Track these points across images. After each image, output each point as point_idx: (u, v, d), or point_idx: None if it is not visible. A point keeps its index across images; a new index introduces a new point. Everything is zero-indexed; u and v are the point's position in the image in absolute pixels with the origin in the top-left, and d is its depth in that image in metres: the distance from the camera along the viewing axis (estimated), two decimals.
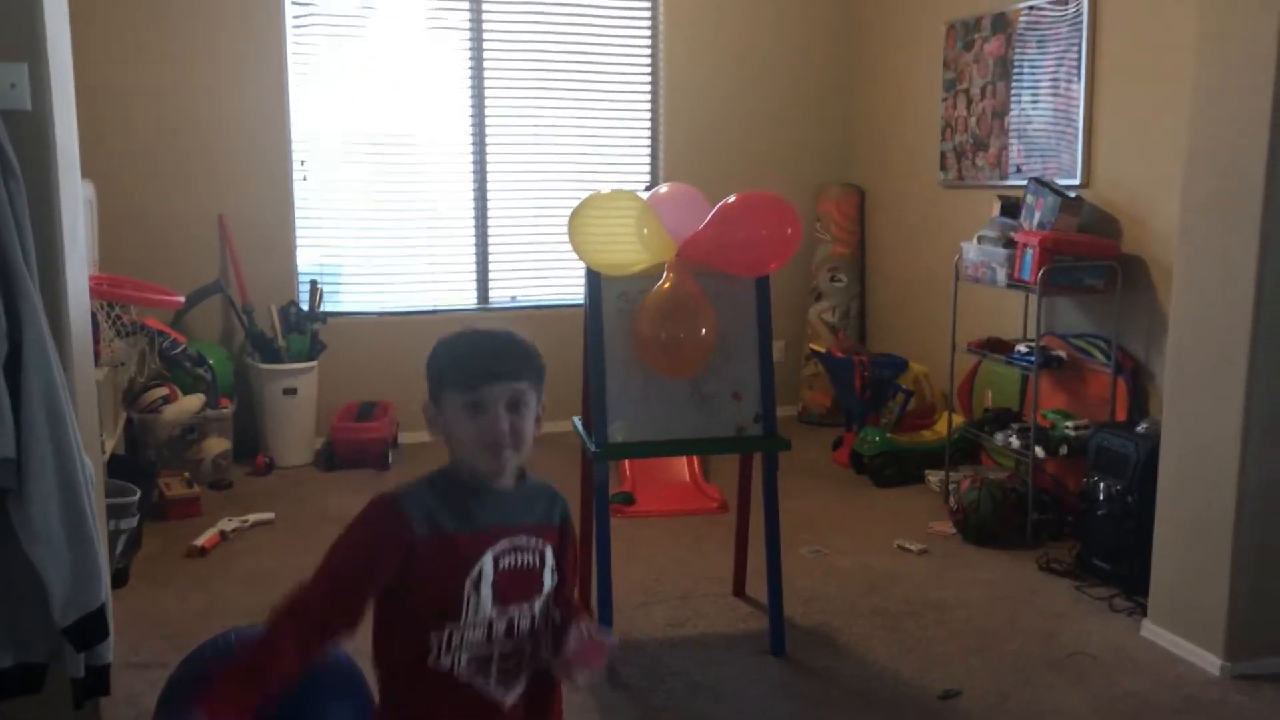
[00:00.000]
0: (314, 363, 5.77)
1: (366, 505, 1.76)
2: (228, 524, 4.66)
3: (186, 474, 5.06)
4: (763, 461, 3.57)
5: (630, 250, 3.40)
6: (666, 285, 3.41)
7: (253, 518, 4.78)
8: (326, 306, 5.97)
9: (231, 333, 5.92)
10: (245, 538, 4.64)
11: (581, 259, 3.46)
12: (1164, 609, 3.65)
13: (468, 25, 6.17)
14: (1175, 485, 3.60)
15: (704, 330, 3.37)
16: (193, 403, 5.25)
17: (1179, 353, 3.57)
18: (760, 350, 3.56)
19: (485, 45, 6.20)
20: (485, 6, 6.17)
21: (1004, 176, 5.34)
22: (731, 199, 3.46)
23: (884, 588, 4.14)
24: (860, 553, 4.50)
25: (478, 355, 1.76)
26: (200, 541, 4.45)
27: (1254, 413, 3.30)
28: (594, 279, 3.49)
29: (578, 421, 3.82)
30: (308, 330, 5.78)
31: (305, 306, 5.88)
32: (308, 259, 6.07)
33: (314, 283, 5.93)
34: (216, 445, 5.33)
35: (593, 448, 3.46)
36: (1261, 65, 3.18)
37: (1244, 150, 3.26)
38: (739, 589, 4.05)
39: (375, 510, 1.75)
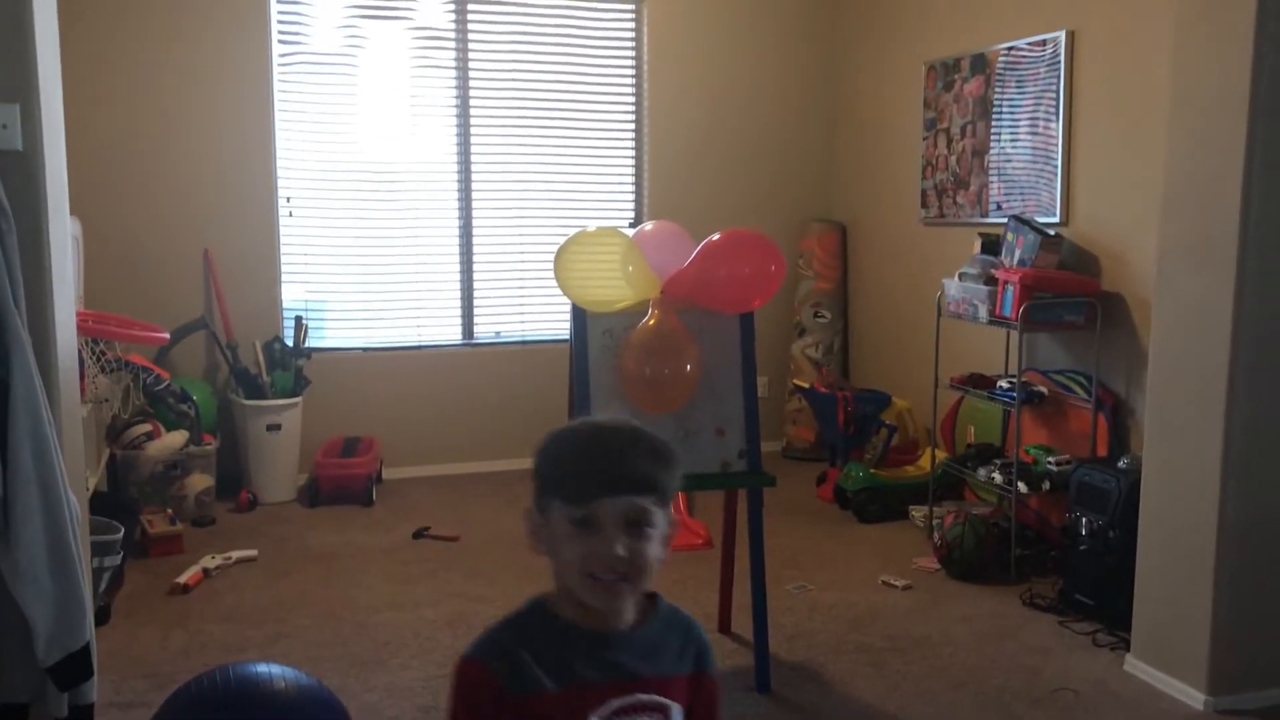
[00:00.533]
0: (298, 399, 5.76)
1: (454, 674, 1.46)
2: (210, 561, 4.64)
3: (169, 510, 5.04)
4: (748, 497, 3.58)
5: (615, 287, 3.43)
6: (651, 322, 3.44)
7: (236, 555, 4.76)
8: (311, 342, 5.98)
9: (215, 368, 5.91)
10: (228, 575, 4.62)
11: (567, 295, 3.49)
12: (1147, 644, 3.67)
13: (453, 63, 6.23)
14: (1157, 520, 3.63)
15: (688, 366, 3.40)
16: (176, 439, 5.24)
17: (1159, 390, 3.61)
18: (744, 386, 3.58)
19: (471, 82, 6.26)
20: (471, 45, 6.23)
21: (984, 214, 5.41)
22: (715, 236, 3.50)
23: (868, 624, 4.15)
24: (845, 589, 4.51)
25: (593, 457, 1.43)
26: (183, 579, 4.43)
27: (1233, 450, 3.34)
28: (579, 315, 3.52)
29: None
30: (292, 366, 5.78)
31: (290, 342, 5.88)
32: (292, 295, 6.08)
33: (299, 318, 5.94)
34: (200, 482, 5.31)
35: None
36: (1236, 108, 3.24)
37: (1219, 193, 3.32)
38: (724, 625, 4.05)
39: (460, 680, 1.45)
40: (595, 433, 1.47)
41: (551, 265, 3.47)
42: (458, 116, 6.27)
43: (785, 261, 3.53)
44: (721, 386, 3.56)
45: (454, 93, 6.25)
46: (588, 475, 1.40)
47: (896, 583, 4.54)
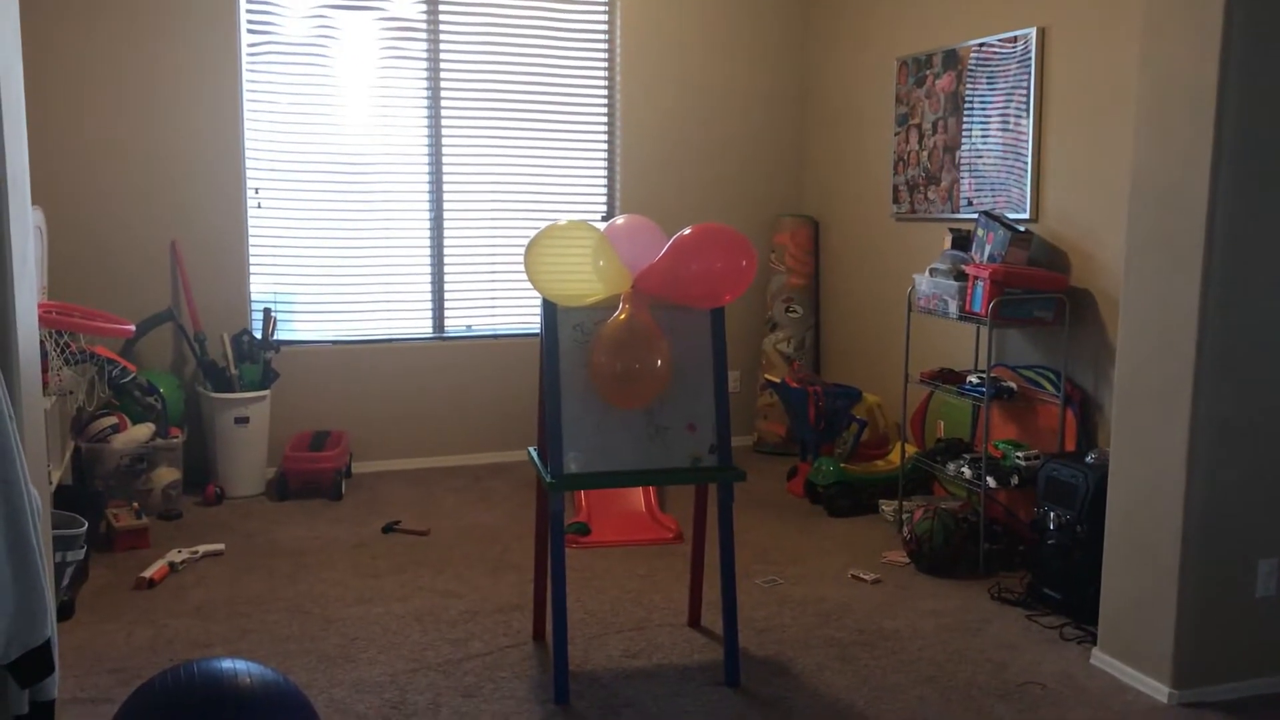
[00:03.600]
0: (266, 392, 5.71)
1: None
2: (177, 555, 4.60)
3: (135, 504, 4.98)
4: (718, 492, 3.58)
5: (586, 281, 3.42)
6: (622, 316, 3.43)
7: (203, 549, 4.72)
8: (280, 335, 5.93)
9: (182, 361, 5.85)
10: (195, 569, 4.57)
11: (537, 289, 3.47)
12: (1113, 638, 3.70)
13: (424, 55, 6.19)
14: (1124, 515, 3.66)
15: (659, 362, 3.39)
16: (142, 432, 5.19)
17: (1126, 386, 3.63)
18: (715, 382, 3.58)
19: (442, 74, 6.22)
20: (442, 36, 6.19)
21: (955, 210, 5.43)
22: (687, 231, 3.49)
23: (838, 618, 4.16)
24: (814, 583, 4.52)
25: None
26: (149, 573, 4.38)
27: (1198, 445, 3.37)
28: (550, 309, 3.50)
29: (533, 452, 3.81)
30: (260, 359, 5.73)
31: (258, 334, 5.83)
32: (261, 287, 6.03)
33: (267, 310, 5.89)
34: (166, 475, 5.26)
35: (548, 478, 3.45)
36: (1203, 104, 3.27)
37: (1186, 190, 3.34)
38: (694, 619, 4.06)
39: None
40: None
41: (523, 259, 3.45)
42: (429, 108, 6.24)
43: (757, 256, 3.52)
44: (692, 382, 3.55)
45: (425, 84, 6.21)
46: None
47: (866, 577, 4.55)
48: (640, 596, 4.33)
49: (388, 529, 5.12)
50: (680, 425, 3.54)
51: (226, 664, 2.55)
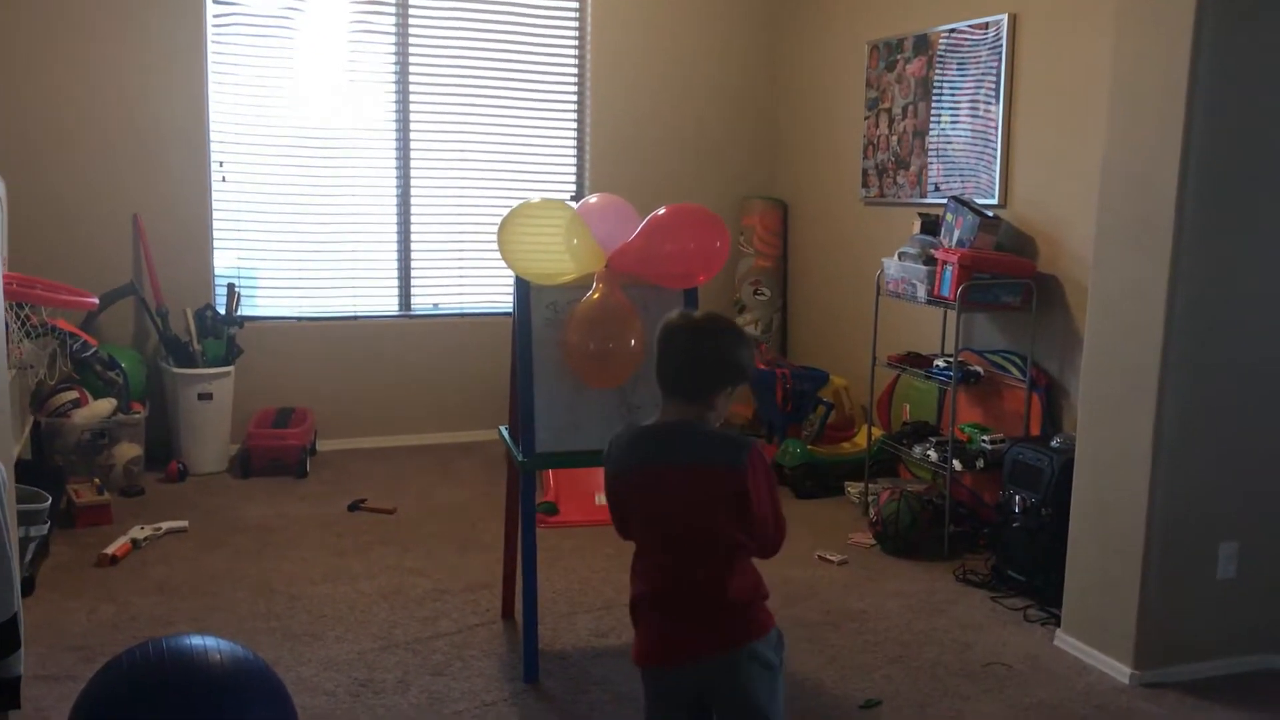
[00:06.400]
0: (230, 367, 5.65)
1: (757, 455, 2.21)
2: (140, 532, 4.55)
3: (97, 480, 4.92)
4: None
5: (559, 260, 3.40)
6: (596, 296, 3.41)
7: (166, 526, 4.67)
8: (244, 310, 5.87)
9: (145, 335, 5.77)
10: (158, 546, 4.52)
11: (510, 268, 3.45)
12: (1076, 619, 3.75)
13: (393, 29, 6.12)
14: (1088, 499, 3.70)
15: (633, 341, 3.38)
16: (103, 407, 5.12)
17: (1093, 370, 3.67)
18: None
19: (411, 50, 6.16)
20: (411, 11, 6.13)
21: (924, 195, 5.45)
22: (661, 211, 3.47)
23: (805, 598, 4.19)
24: (781, 564, 4.51)
25: None
26: (111, 550, 4.33)
27: (1164, 429, 3.41)
28: (523, 288, 3.48)
29: (504, 431, 3.80)
30: (224, 334, 5.66)
31: (222, 310, 5.76)
32: (225, 261, 5.96)
33: (231, 286, 5.82)
34: (128, 451, 5.19)
35: (520, 456, 3.44)
36: (1174, 92, 3.30)
37: (1156, 176, 3.37)
38: None
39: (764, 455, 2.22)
40: None
41: (492, 237, 3.43)
42: (397, 84, 6.17)
43: (730, 237, 3.52)
44: None
45: (393, 59, 6.15)
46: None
47: (833, 558, 4.58)
48: (609, 576, 4.33)
49: (353, 507, 5.09)
50: (653, 404, 3.51)
51: (196, 641, 2.52)
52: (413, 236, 6.32)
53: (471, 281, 6.46)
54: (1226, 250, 3.40)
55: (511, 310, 3.59)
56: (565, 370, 3.46)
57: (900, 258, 4.97)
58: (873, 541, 4.77)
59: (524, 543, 3.44)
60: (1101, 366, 3.63)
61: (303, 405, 5.98)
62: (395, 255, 6.32)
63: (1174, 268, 3.34)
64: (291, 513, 5.03)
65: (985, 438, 4.68)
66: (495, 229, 6.32)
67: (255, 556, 4.45)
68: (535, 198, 3.55)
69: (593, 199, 3.67)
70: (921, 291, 4.81)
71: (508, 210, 3.47)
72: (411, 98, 6.20)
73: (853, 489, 5.38)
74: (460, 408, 6.36)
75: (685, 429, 2.24)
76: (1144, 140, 3.43)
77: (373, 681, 3.39)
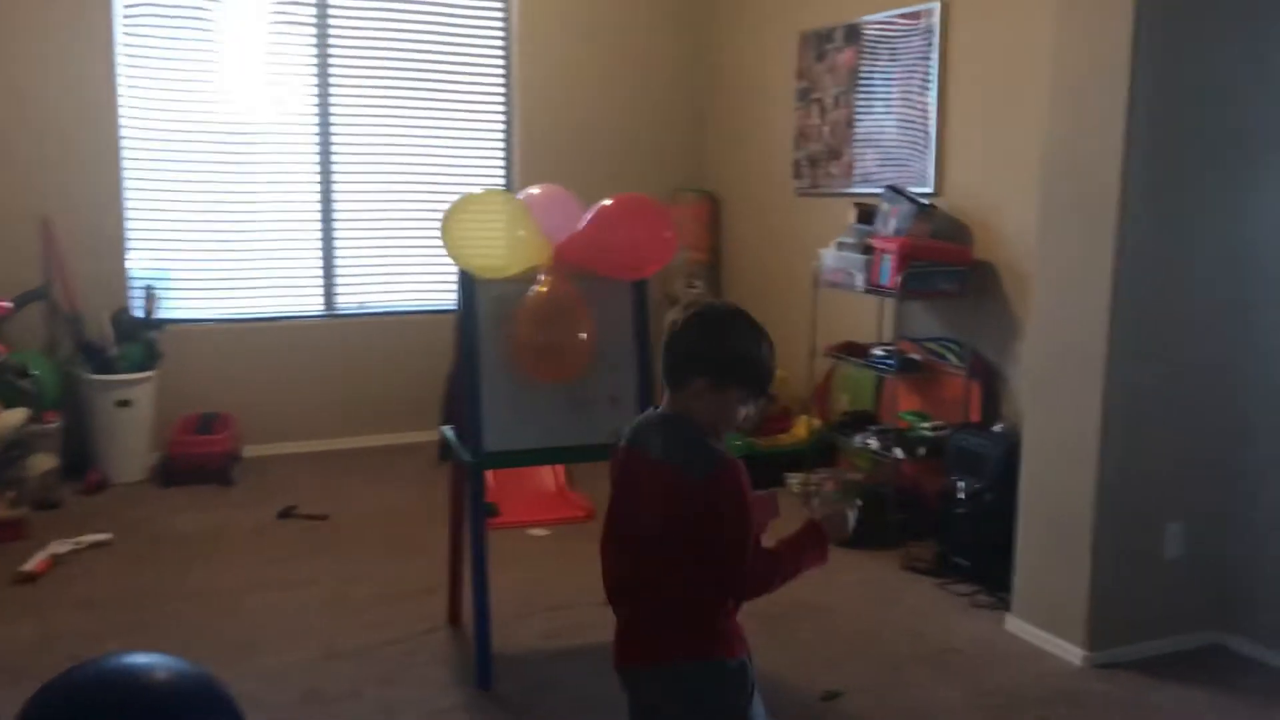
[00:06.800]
0: (150, 373, 5.44)
1: (730, 471, 1.98)
2: (60, 546, 4.34)
3: (11, 493, 4.68)
4: None
5: (506, 252, 3.31)
6: (544, 289, 3.32)
7: (88, 539, 4.46)
8: (162, 313, 5.64)
9: (57, 341, 5.51)
10: (80, 560, 4.32)
11: (455, 261, 3.34)
12: (1026, 603, 3.77)
13: (313, 19, 5.95)
14: (1036, 483, 3.72)
15: (583, 335, 3.31)
16: (15, 417, 4.86)
17: (1038, 354, 3.69)
18: (639, 355, 3.51)
19: (331, 41, 5.99)
20: (331, 1, 5.95)
21: (857, 185, 5.45)
22: (608, 202, 3.41)
23: None
24: None
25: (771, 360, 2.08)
26: (29, 566, 4.12)
27: (1111, 411, 3.44)
28: (467, 282, 3.38)
29: (449, 430, 3.69)
30: (142, 338, 5.44)
31: (139, 313, 5.54)
32: (141, 263, 5.72)
33: (148, 288, 5.60)
34: (43, 462, 4.95)
35: (468, 457, 3.34)
36: (1117, 72, 3.32)
37: (1100, 156, 3.40)
38: None
39: (739, 471, 1.99)
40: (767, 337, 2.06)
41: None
42: (317, 75, 5.99)
43: (691, 224, 3.45)
44: (615, 355, 3.48)
45: (313, 50, 5.97)
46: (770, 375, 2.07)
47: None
48: (557, 577, 4.25)
49: (284, 514, 4.92)
50: (603, 399, 3.47)
51: (140, 658, 2.37)
52: (336, 233, 6.15)
53: (398, 279, 6.31)
54: (1172, 231, 3.43)
55: (455, 306, 3.48)
56: (513, 366, 3.37)
57: (838, 247, 4.96)
58: None
59: (474, 544, 3.34)
60: (1047, 350, 3.65)
61: (226, 410, 5.76)
62: (319, 253, 6.14)
63: (1118, 250, 3.37)
64: (220, 522, 4.85)
65: (925, 425, 4.69)
66: (422, 224, 6.23)
67: (185, 568, 4.27)
68: (465, 190, 3.44)
69: (535, 190, 3.59)
70: (860, 281, 4.80)
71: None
72: (332, 89, 6.03)
73: (793, 480, 5.36)
74: (390, 409, 6.20)
75: (667, 421, 2.10)
76: (1086, 123, 3.45)
77: (320, 692, 3.27)
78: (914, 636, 3.77)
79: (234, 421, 5.70)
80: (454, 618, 3.82)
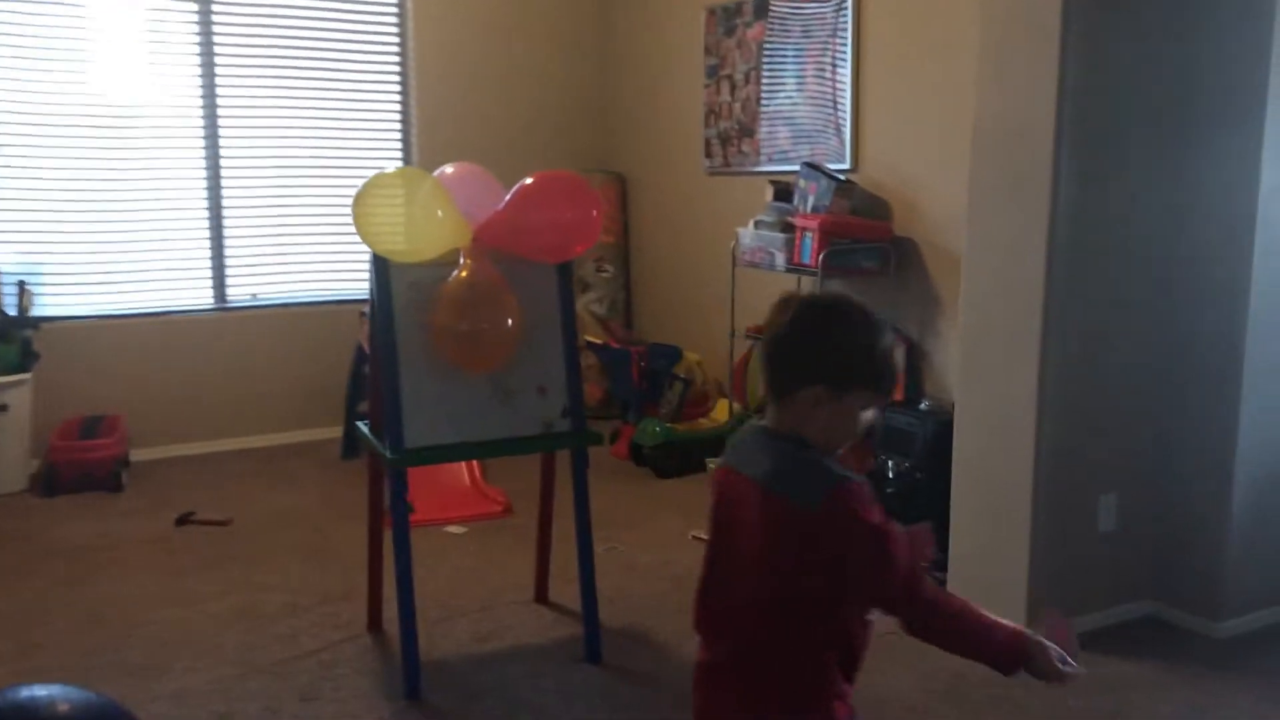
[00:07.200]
0: (27, 375, 5.06)
1: (853, 495, 1.62)
2: None
3: None
4: (573, 459, 3.35)
5: (424, 235, 3.11)
6: (464, 273, 3.13)
7: None
8: (38, 310, 5.26)
9: None
10: None
11: (368, 245, 3.13)
12: (963, 581, 3.70)
13: None
14: (971, 458, 3.67)
15: (509, 320, 3.12)
16: None
17: (972, 329, 3.63)
18: (565, 340, 3.35)
19: (215, 18, 5.64)
20: None
21: (770, 162, 5.35)
22: (529, 180, 3.23)
23: (688, 582, 3.95)
24: (657, 548, 4.36)
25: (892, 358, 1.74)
26: None
27: (1048, 386, 3.39)
28: (382, 267, 3.17)
29: (364, 425, 3.47)
30: (17, 338, 5.07)
31: (12, 311, 5.15)
32: (11, 257, 5.32)
33: (21, 284, 5.22)
34: None
35: (388, 454, 3.13)
36: (1047, 36, 3.25)
37: (1031, 129, 3.34)
38: (541, 595, 3.82)
39: (865, 493, 1.65)
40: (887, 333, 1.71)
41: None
42: (200, 53, 5.65)
43: (604, 206, 3.28)
44: (540, 341, 3.30)
45: (195, 26, 5.62)
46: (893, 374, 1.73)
47: (708, 537, 4.43)
48: (479, 575, 4.06)
49: (182, 520, 4.62)
50: (530, 389, 3.29)
51: (39, 691, 2.14)
52: (225, 221, 5.82)
53: (293, 268, 6.00)
54: (1106, 199, 3.39)
55: (368, 293, 3.27)
56: (433, 356, 3.17)
57: (757, 226, 4.85)
58: None
59: (397, 546, 3.13)
60: (980, 325, 3.59)
61: (112, 412, 5.41)
62: (207, 243, 5.80)
63: (1052, 222, 3.31)
64: (112, 532, 4.53)
65: None
66: (316, 210, 5.94)
67: (76, 584, 3.96)
68: (362, 175, 3.22)
69: (449, 169, 3.38)
70: (780, 260, 4.70)
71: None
72: (218, 69, 5.69)
73: (714, 464, 5.25)
74: (287, 405, 5.91)
75: (773, 439, 1.71)
76: (1016, 93, 3.39)
77: (235, 714, 3.03)
78: None
79: (121, 424, 5.35)
80: (374, 624, 3.60)
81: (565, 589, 3.83)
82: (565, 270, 3.38)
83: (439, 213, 3.10)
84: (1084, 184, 3.33)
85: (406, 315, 3.17)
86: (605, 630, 3.55)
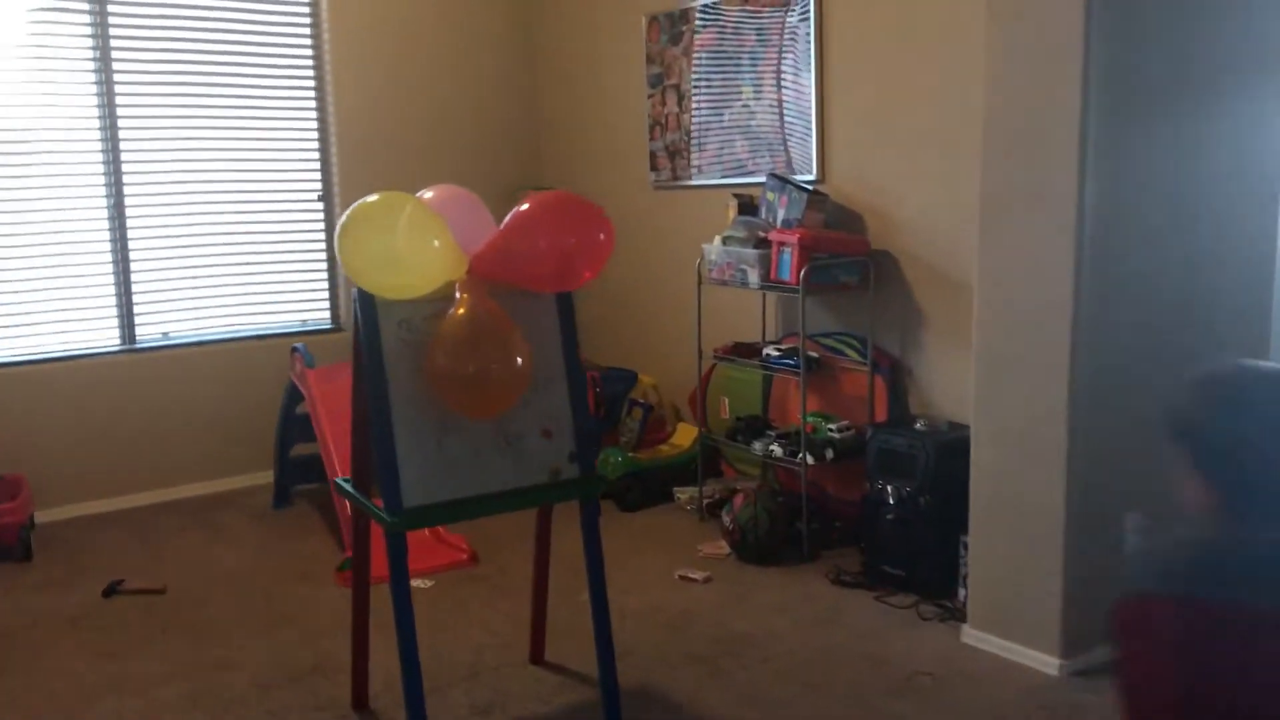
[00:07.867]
0: None
1: None
2: None
3: None
4: (582, 508, 3.03)
5: (420, 267, 2.76)
6: (463, 310, 2.79)
7: None
8: None
9: None
10: None
11: (356, 281, 2.77)
12: (986, 613, 3.52)
13: (87, 8, 5.08)
14: (991, 483, 3.47)
15: (519, 359, 2.79)
16: None
17: (987, 345, 3.44)
18: (569, 376, 3.04)
19: (112, 32, 5.13)
20: None
21: (726, 175, 5.11)
22: (525, 206, 2.92)
23: (684, 627, 3.74)
24: (641, 590, 4.07)
25: None
26: None
27: (1078, 395, 3.21)
28: (368, 305, 2.81)
29: (344, 482, 3.10)
30: None
31: None
32: None
33: None
34: None
35: (385, 517, 2.77)
36: (1069, 32, 3.08)
37: (1050, 131, 3.16)
38: (537, 656, 3.49)
39: None
40: None
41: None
42: (97, 72, 5.13)
43: (614, 228, 2.98)
44: (543, 380, 2.98)
45: (90, 43, 5.11)
46: None
47: (695, 576, 4.17)
48: (459, 634, 3.70)
49: (111, 591, 4.14)
50: (534, 433, 2.97)
51: None
52: (132, 255, 5.30)
53: (208, 303, 5.51)
54: (1130, 199, 3.24)
55: (354, 334, 2.91)
56: (427, 402, 2.82)
57: (725, 242, 4.60)
58: (727, 551, 4.40)
59: (399, 617, 2.78)
60: (998, 338, 3.40)
61: (13, 471, 4.85)
62: (111, 277, 5.27)
63: (1079, 224, 3.14)
64: (27, 608, 4.02)
65: (831, 426, 4.41)
66: (230, 240, 5.50)
67: None
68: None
69: (428, 193, 3.04)
70: (754, 277, 4.46)
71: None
72: (118, 88, 5.18)
73: (682, 494, 4.99)
74: (209, 451, 5.42)
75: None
76: (1033, 96, 3.21)
77: None
78: (871, 661, 3.45)
79: (24, 483, 4.80)
80: (359, 701, 3.22)
81: (560, 646, 3.52)
82: (565, 300, 3.07)
83: (435, 242, 2.76)
84: (1111, 184, 3.17)
85: (398, 357, 2.82)
86: None
